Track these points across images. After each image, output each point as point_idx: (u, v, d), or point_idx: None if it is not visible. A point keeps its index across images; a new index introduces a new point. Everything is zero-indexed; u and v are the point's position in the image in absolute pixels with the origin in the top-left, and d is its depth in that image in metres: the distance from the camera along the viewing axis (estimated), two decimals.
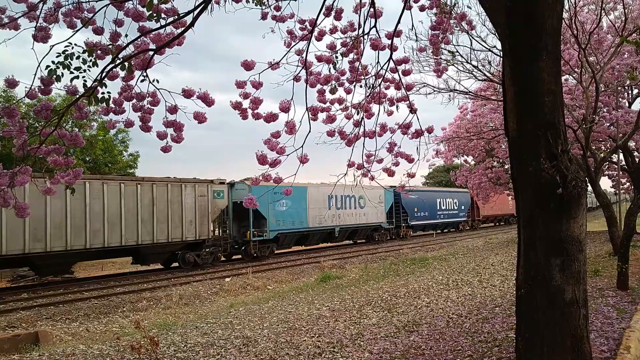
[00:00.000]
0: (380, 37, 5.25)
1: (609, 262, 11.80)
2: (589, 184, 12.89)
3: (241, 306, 10.95)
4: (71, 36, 3.92)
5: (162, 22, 4.13)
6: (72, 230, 15.10)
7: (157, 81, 4.24)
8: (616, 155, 16.89)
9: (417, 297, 9.37)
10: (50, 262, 15.16)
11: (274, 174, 4.70)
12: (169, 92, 4.22)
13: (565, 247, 3.42)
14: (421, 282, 11.47)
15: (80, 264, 18.08)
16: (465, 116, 18.22)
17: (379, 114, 5.48)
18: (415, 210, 32.29)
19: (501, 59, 5.87)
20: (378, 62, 5.35)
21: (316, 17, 5.03)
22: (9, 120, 3.95)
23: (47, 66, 3.84)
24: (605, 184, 61.17)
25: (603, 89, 12.83)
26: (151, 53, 4.19)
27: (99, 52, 4.01)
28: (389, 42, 5.30)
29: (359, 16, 5.20)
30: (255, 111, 4.79)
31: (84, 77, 3.94)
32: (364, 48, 5.35)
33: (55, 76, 3.86)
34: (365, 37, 5.27)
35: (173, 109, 4.30)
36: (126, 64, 4.07)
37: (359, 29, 5.25)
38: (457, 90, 13.11)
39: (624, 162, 17.24)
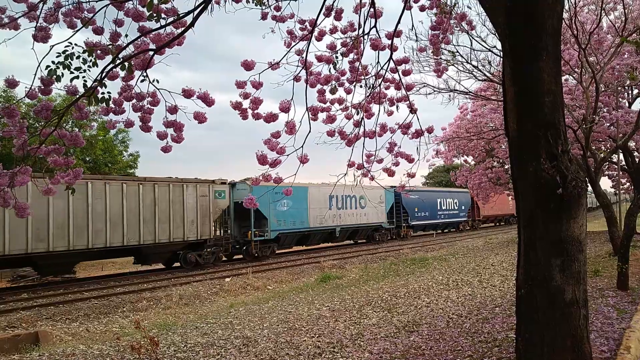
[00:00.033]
0: (380, 37, 5.25)
1: (609, 262, 11.80)
2: (589, 184, 12.89)
3: (241, 306, 10.95)
4: (71, 36, 3.92)
5: (162, 22, 4.13)
6: (75, 230, 15.14)
7: (157, 81, 4.25)
8: (616, 156, 16.89)
9: (417, 297, 9.37)
10: (52, 262, 15.19)
11: (274, 174, 4.70)
12: (169, 92, 4.23)
13: (565, 247, 3.42)
14: (421, 282, 11.47)
15: (80, 264, 18.10)
16: (465, 116, 18.23)
17: (379, 114, 5.49)
18: (416, 210, 32.31)
19: (501, 59, 5.87)
20: (378, 62, 5.35)
21: (316, 17, 5.03)
22: (9, 120, 3.95)
23: (47, 66, 3.84)
24: (605, 184, 61.19)
25: (603, 89, 12.83)
26: (151, 53, 4.19)
27: (99, 52, 4.02)
28: (389, 42, 5.30)
29: (359, 16, 5.21)
30: (256, 111, 4.79)
31: (84, 77, 3.94)
32: (364, 48, 5.35)
33: (55, 76, 3.86)
34: (366, 37, 5.27)
35: (173, 109, 4.30)
36: (126, 64, 4.07)
37: (359, 29, 5.25)
38: (457, 90, 13.11)
39: (624, 162, 17.24)
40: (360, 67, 5.38)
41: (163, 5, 4.09)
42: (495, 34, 10.85)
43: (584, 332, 3.49)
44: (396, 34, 5.36)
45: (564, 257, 3.41)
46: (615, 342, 5.33)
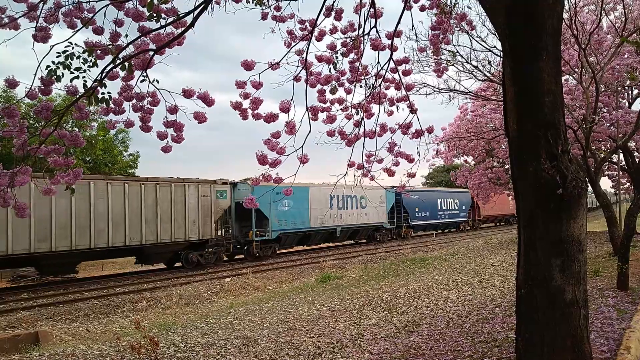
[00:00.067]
0: (380, 37, 5.25)
1: (609, 262, 11.80)
2: (589, 184, 12.89)
3: (241, 306, 10.95)
4: (71, 36, 3.92)
5: (162, 22, 4.13)
6: (77, 230, 15.18)
7: (157, 81, 4.25)
8: (616, 156, 16.89)
9: (417, 298, 9.37)
10: (55, 261, 15.23)
11: (274, 174, 4.70)
12: (169, 92, 4.23)
13: (565, 247, 3.42)
14: (421, 283, 11.46)
15: (81, 264, 18.11)
16: (465, 116, 18.22)
17: (379, 114, 5.49)
18: (417, 210, 32.32)
19: (501, 59, 5.87)
20: (378, 62, 5.36)
21: (316, 17, 5.03)
22: (9, 121, 3.95)
23: (47, 66, 3.84)
24: (605, 184, 61.17)
25: (603, 89, 12.84)
26: (151, 53, 4.19)
27: (98, 52, 4.02)
28: (389, 42, 5.30)
29: (359, 16, 5.21)
30: (256, 111, 4.79)
31: (84, 77, 3.94)
32: (364, 48, 5.35)
33: (55, 76, 3.87)
34: (366, 37, 5.27)
35: (173, 109, 4.30)
36: (126, 64, 4.07)
37: (359, 29, 5.25)
38: (457, 90, 13.11)
39: (624, 162, 17.24)
40: (360, 67, 5.38)
41: (163, 5, 4.09)
42: (495, 34, 10.85)
43: (584, 332, 3.49)
44: (396, 34, 5.36)
45: (564, 257, 3.41)
46: (615, 342, 5.33)
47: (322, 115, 5.28)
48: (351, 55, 5.42)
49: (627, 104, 15.55)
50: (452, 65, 11.94)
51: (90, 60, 3.93)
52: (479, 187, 21.77)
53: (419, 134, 5.47)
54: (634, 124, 12.53)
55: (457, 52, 11.64)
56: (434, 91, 12.66)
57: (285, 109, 4.67)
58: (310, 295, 11.59)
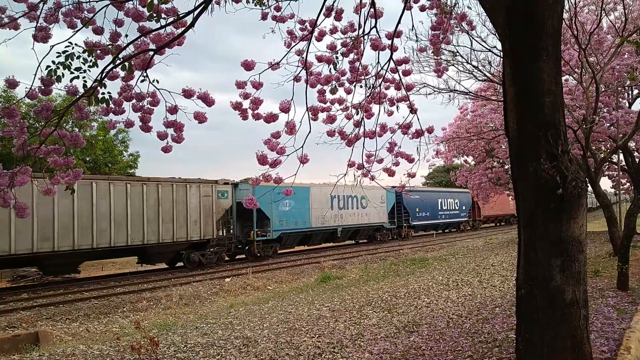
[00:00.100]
0: (380, 38, 5.25)
1: (609, 262, 11.80)
2: (589, 185, 12.89)
3: (241, 306, 10.95)
4: (71, 36, 3.92)
5: (162, 22, 4.13)
6: (79, 230, 15.22)
7: (157, 81, 4.25)
8: (616, 156, 16.88)
9: (417, 298, 9.37)
10: (57, 261, 15.27)
11: (274, 174, 4.70)
12: (169, 92, 4.23)
13: (565, 247, 3.42)
14: (421, 283, 11.46)
15: (81, 264, 18.13)
16: (466, 116, 18.23)
17: (379, 114, 5.49)
18: (417, 210, 32.35)
19: (501, 59, 5.87)
20: (378, 62, 5.35)
21: (316, 17, 5.03)
22: (9, 121, 3.95)
23: (47, 66, 3.84)
24: (605, 184, 61.17)
25: (603, 90, 12.84)
26: (151, 53, 4.19)
27: (98, 52, 4.02)
28: (389, 42, 5.30)
29: (359, 16, 5.21)
30: (256, 111, 4.79)
31: (84, 77, 3.94)
32: (364, 48, 5.35)
33: (56, 77, 3.87)
34: (366, 37, 5.27)
35: (173, 109, 4.30)
36: (126, 64, 4.07)
37: (359, 29, 5.25)
38: (457, 90, 13.12)
39: (624, 163, 17.24)
40: (360, 67, 5.38)
41: (163, 6, 4.09)
42: (495, 34, 10.85)
43: (584, 332, 3.49)
44: (396, 34, 5.36)
45: (564, 257, 3.41)
46: (615, 343, 5.33)
47: (322, 115, 5.28)
48: (351, 56, 5.42)
49: (627, 104, 15.55)
50: (452, 65, 11.95)
51: (90, 61, 3.93)
52: (479, 187, 21.78)
53: (419, 134, 5.47)
54: (634, 124, 12.53)
55: (457, 52, 11.66)
56: (434, 91, 12.67)
57: (285, 109, 4.67)
58: (310, 295, 11.59)
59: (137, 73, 4.21)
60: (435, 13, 5.43)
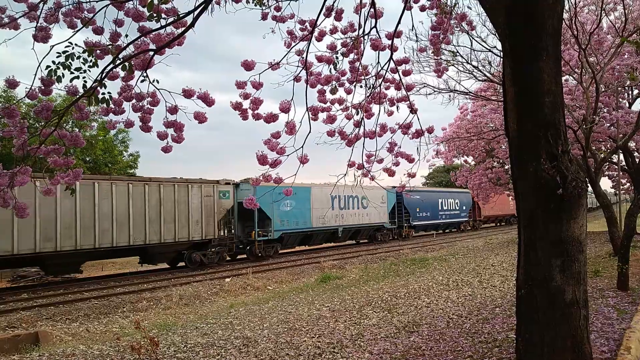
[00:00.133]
0: (380, 38, 5.25)
1: (609, 262, 11.80)
2: (589, 185, 12.88)
3: (241, 306, 10.95)
4: (71, 36, 3.92)
5: (163, 22, 4.13)
6: (82, 230, 15.26)
7: (157, 81, 4.25)
8: (616, 156, 16.89)
9: (417, 298, 9.37)
10: (60, 261, 15.31)
11: (274, 175, 4.70)
12: (169, 92, 4.23)
13: (565, 247, 3.42)
14: (421, 283, 11.46)
15: (82, 264, 18.15)
16: (466, 116, 18.23)
17: (379, 114, 5.49)
18: (418, 210, 32.36)
19: (501, 59, 5.87)
20: (378, 62, 5.35)
21: (316, 17, 5.03)
22: (9, 121, 3.95)
23: (47, 66, 3.84)
24: (605, 184, 61.14)
25: (603, 90, 12.83)
26: (151, 53, 4.19)
27: (98, 51, 4.02)
28: (389, 42, 5.30)
29: (359, 16, 5.21)
30: (256, 112, 4.79)
31: (84, 77, 3.94)
32: (364, 48, 5.35)
33: (56, 77, 3.87)
34: (366, 37, 5.27)
35: (173, 109, 4.30)
36: (126, 64, 4.07)
37: (359, 29, 5.25)
38: (457, 90, 13.12)
39: (624, 163, 17.24)
40: (360, 67, 5.38)
41: (163, 6, 4.09)
42: (495, 34, 10.85)
43: (584, 332, 3.49)
44: (396, 34, 5.36)
45: (564, 257, 3.41)
46: (615, 343, 5.33)
47: (322, 115, 5.28)
48: (351, 56, 5.42)
49: (627, 104, 15.55)
50: (452, 65, 11.95)
51: (91, 61, 3.93)
52: (479, 188, 21.78)
53: (419, 134, 5.47)
54: (634, 124, 12.53)
55: (457, 52, 11.65)
56: (434, 91, 12.68)
57: (285, 109, 4.67)
58: (310, 295, 11.59)
59: (137, 73, 4.21)
60: (435, 13, 5.43)
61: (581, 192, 3.44)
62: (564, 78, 12.89)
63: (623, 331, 5.72)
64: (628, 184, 23.21)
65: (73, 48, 3.85)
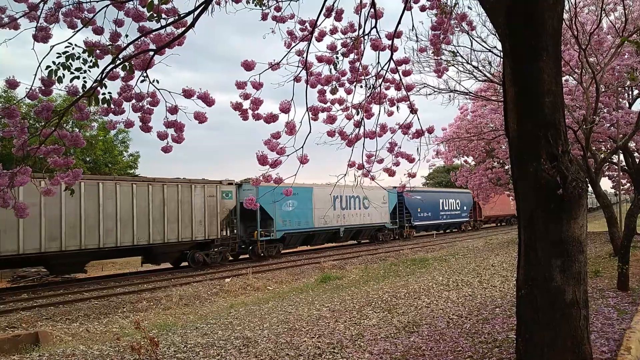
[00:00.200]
0: (380, 38, 5.25)
1: (609, 262, 11.79)
2: (589, 185, 12.88)
3: (241, 307, 10.95)
4: (71, 36, 3.92)
5: (163, 22, 4.13)
6: (86, 230, 15.32)
7: (157, 81, 4.25)
8: (616, 156, 16.88)
9: (418, 298, 9.36)
10: (64, 261, 15.36)
11: (274, 175, 4.70)
12: (169, 92, 4.23)
13: (565, 247, 3.42)
14: (421, 283, 11.46)
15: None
16: (466, 117, 18.23)
17: (379, 114, 5.49)
18: (419, 210, 32.39)
19: (501, 59, 5.87)
20: (378, 62, 5.36)
21: (316, 17, 5.03)
22: (9, 121, 3.95)
23: (48, 66, 3.84)
24: (605, 184, 61.13)
25: (603, 90, 12.83)
26: (151, 53, 4.19)
27: (98, 52, 4.02)
28: (390, 42, 5.30)
29: (360, 17, 5.21)
30: (256, 112, 4.79)
31: (84, 77, 3.94)
32: (364, 48, 5.35)
33: (57, 78, 3.87)
34: (366, 37, 5.27)
35: (173, 109, 4.30)
36: (127, 64, 4.07)
37: (359, 30, 5.25)
38: (457, 90, 13.11)
39: (624, 163, 17.24)
40: (360, 68, 5.38)
41: (163, 6, 4.09)
42: (495, 35, 10.85)
43: (584, 332, 3.49)
44: (396, 34, 5.36)
45: (565, 257, 3.41)
46: (615, 343, 5.33)
47: (322, 116, 5.28)
48: (351, 56, 5.42)
49: (627, 105, 15.54)
50: (453, 65, 11.95)
51: (91, 61, 3.93)
52: (479, 188, 21.78)
53: (419, 134, 5.47)
54: (634, 124, 12.52)
55: (458, 52, 11.65)
56: (434, 91, 12.68)
57: (285, 109, 4.67)
58: (310, 295, 11.59)
59: (137, 73, 4.21)
60: (436, 13, 5.44)
61: (581, 192, 3.44)
62: (564, 78, 12.89)
63: (623, 331, 5.72)
64: (628, 184, 23.21)
65: (73, 48, 3.86)
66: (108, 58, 4.09)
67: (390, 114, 5.61)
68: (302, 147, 4.71)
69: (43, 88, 3.94)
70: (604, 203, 14.45)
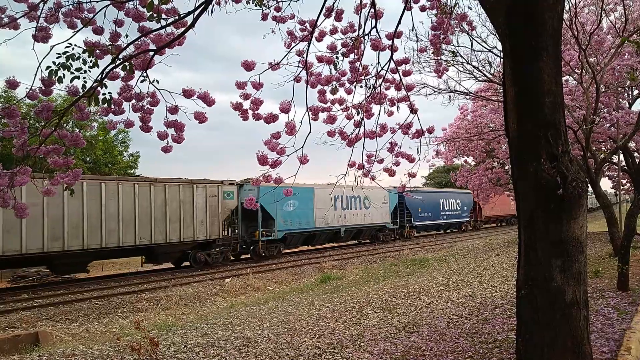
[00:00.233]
0: (380, 38, 5.25)
1: (609, 263, 11.79)
2: (589, 185, 12.88)
3: (241, 307, 10.95)
4: (71, 36, 3.92)
5: (163, 22, 4.13)
6: (89, 230, 15.36)
7: (157, 81, 4.25)
8: (616, 156, 16.88)
9: (418, 298, 9.36)
10: (67, 261, 15.41)
11: (274, 175, 4.70)
12: (169, 92, 4.23)
13: (565, 248, 3.42)
14: (421, 283, 11.46)
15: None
16: (466, 117, 18.23)
17: (379, 114, 5.49)
18: (419, 210, 32.41)
19: (501, 59, 5.87)
20: (378, 62, 5.36)
21: (316, 18, 5.03)
22: (9, 121, 3.95)
23: (48, 66, 3.84)
24: (605, 184, 61.17)
25: (603, 90, 12.83)
26: (151, 53, 4.19)
27: (98, 52, 4.02)
28: (390, 42, 5.30)
29: (360, 17, 5.21)
30: (256, 112, 4.79)
31: (84, 77, 3.94)
32: (364, 48, 5.35)
33: (57, 78, 3.87)
34: (366, 37, 5.27)
35: (174, 109, 4.30)
36: (127, 64, 4.07)
37: (359, 30, 5.25)
38: (457, 91, 13.11)
39: (624, 163, 17.23)
40: (360, 68, 5.38)
41: (163, 6, 4.09)
42: (495, 35, 10.85)
43: (585, 332, 3.49)
44: (396, 34, 5.36)
45: (565, 257, 3.41)
46: (615, 343, 5.33)
47: (322, 116, 5.28)
48: (351, 56, 5.42)
49: (627, 105, 15.54)
50: (453, 65, 11.94)
51: (91, 61, 3.93)
52: (479, 188, 21.78)
53: (419, 134, 5.47)
54: (634, 124, 12.52)
55: (458, 52, 11.64)
56: (434, 91, 12.68)
57: (285, 109, 4.67)
58: (310, 295, 11.59)
59: (137, 73, 4.21)
60: (436, 13, 5.44)
61: (581, 192, 3.44)
62: (564, 78, 12.89)
63: (623, 331, 5.72)
64: (628, 185, 23.20)
65: (73, 48, 3.86)
66: (108, 58, 4.09)
67: (390, 114, 5.61)
68: (302, 147, 4.71)
69: (43, 88, 3.95)
70: (604, 203, 14.45)
